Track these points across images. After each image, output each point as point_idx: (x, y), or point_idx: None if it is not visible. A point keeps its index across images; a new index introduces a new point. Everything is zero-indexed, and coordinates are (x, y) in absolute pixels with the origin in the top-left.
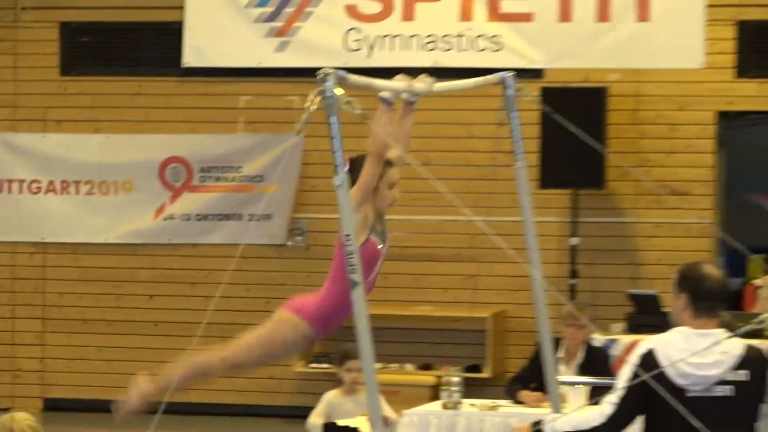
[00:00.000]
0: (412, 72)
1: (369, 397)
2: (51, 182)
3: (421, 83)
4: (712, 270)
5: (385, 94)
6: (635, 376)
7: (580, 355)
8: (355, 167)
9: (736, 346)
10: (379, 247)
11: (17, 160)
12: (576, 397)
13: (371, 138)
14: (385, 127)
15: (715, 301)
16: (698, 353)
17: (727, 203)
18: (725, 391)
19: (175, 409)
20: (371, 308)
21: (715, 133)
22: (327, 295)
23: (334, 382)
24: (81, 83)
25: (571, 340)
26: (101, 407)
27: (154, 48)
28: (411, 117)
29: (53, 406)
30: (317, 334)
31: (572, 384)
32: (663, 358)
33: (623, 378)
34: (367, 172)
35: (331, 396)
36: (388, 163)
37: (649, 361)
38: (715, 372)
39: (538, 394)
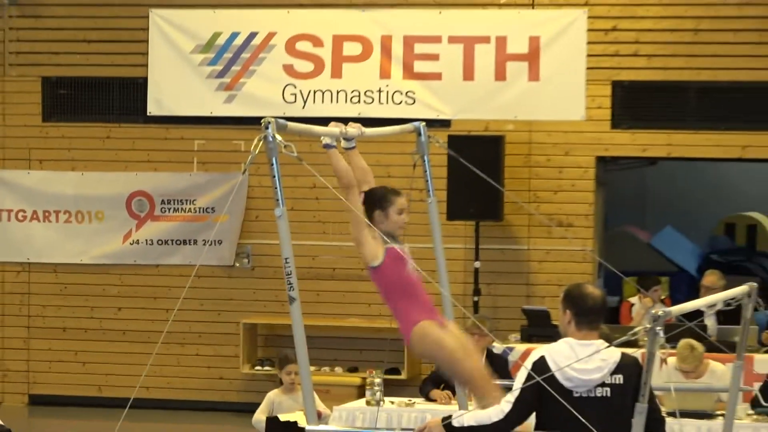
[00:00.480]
0: (341, 121)
1: (305, 395)
2: (35, 212)
3: (353, 128)
4: (593, 290)
5: (326, 140)
6: (529, 378)
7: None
8: (367, 200)
9: (614, 354)
10: (399, 247)
11: (5, 192)
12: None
13: (337, 177)
14: (339, 164)
15: (595, 316)
16: (582, 360)
17: (605, 234)
18: (604, 392)
19: (140, 405)
20: (306, 319)
21: (595, 175)
22: (398, 313)
23: (275, 382)
24: (59, 128)
25: (475, 348)
26: (78, 402)
27: (121, 99)
28: (357, 155)
29: (37, 401)
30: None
31: None
32: (552, 364)
33: (519, 381)
34: (351, 203)
35: (272, 394)
36: (396, 193)
37: (540, 366)
38: (596, 376)
39: (447, 392)
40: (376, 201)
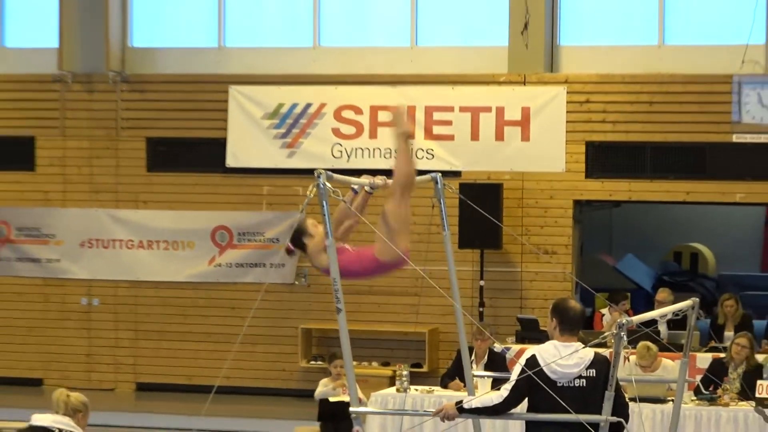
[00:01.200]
0: (375, 173)
1: (349, 384)
2: (140, 241)
3: (379, 180)
4: (575, 304)
5: (355, 187)
6: (523, 372)
7: (485, 358)
8: None
9: (588, 353)
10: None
11: (118, 227)
12: (483, 385)
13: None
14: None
15: (575, 324)
16: (564, 358)
17: (580, 260)
18: (581, 382)
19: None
20: (349, 325)
21: (572, 214)
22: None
23: (325, 373)
24: (160, 177)
25: (479, 348)
26: (174, 388)
27: (207, 154)
28: (367, 200)
29: (142, 388)
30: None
31: (481, 377)
32: (541, 360)
33: (515, 373)
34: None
35: (323, 382)
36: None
37: (532, 362)
38: (574, 370)
39: (459, 383)
40: None
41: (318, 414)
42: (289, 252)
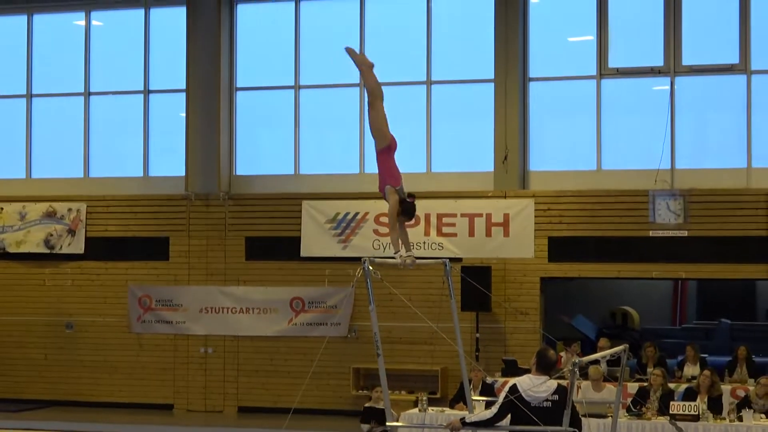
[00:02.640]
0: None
1: (386, 406)
2: (241, 308)
3: (409, 260)
4: (551, 353)
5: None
6: (507, 396)
7: (480, 387)
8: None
9: (553, 383)
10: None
11: (225, 298)
12: (479, 406)
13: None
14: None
15: (548, 367)
16: (536, 386)
17: (546, 318)
18: (548, 404)
19: (297, 411)
20: (386, 365)
21: (540, 287)
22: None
23: (368, 398)
24: (255, 263)
25: (476, 380)
26: (265, 410)
27: (287, 248)
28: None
29: (243, 410)
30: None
31: (477, 400)
32: (520, 388)
33: (501, 397)
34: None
35: (369, 403)
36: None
37: (513, 389)
38: (543, 395)
39: (462, 405)
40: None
41: (361, 418)
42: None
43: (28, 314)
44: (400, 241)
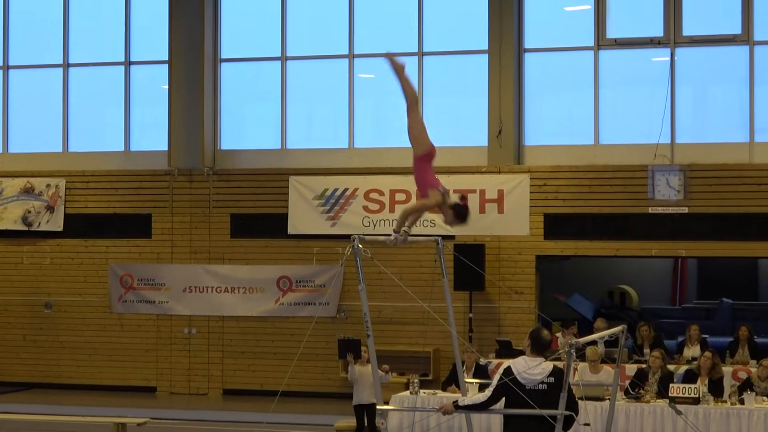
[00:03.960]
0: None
1: (375, 388)
2: (226, 287)
3: (402, 236)
4: (545, 333)
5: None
6: (501, 378)
7: (473, 369)
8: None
9: (549, 365)
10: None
11: (210, 277)
12: (472, 389)
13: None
14: (409, 211)
15: (542, 346)
16: (531, 368)
17: (541, 298)
18: (543, 386)
19: (284, 393)
20: (376, 346)
21: (535, 265)
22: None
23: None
24: (240, 241)
25: (469, 362)
26: (249, 393)
27: (273, 225)
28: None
29: (228, 392)
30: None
31: (471, 383)
32: (515, 370)
33: (495, 380)
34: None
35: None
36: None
37: (508, 371)
38: (538, 377)
39: (455, 387)
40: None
41: (338, 353)
42: (464, 200)
43: (5, 294)
44: (405, 224)
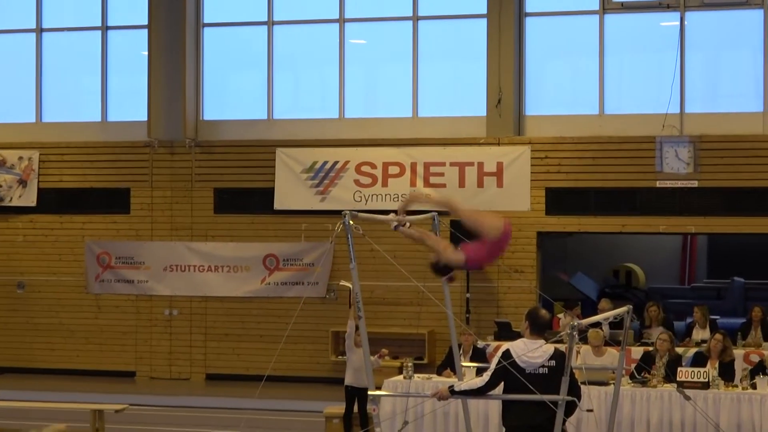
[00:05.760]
0: (387, 213)
1: (367, 372)
2: (209, 266)
3: (400, 217)
4: (544, 312)
5: (393, 225)
6: (499, 362)
7: (470, 352)
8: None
9: (550, 348)
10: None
11: (192, 255)
12: (469, 373)
13: (418, 240)
14: (411, 233)
15: (542, 327)
16: (531, 351)
17: (543, 277)
18: (544, 370)
19: (270, 378)
20: (368, 328)
21: (536, 242)
22: (471, 251)
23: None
24: (223, 217)
25: (466, 344)
26: (234, 378)
27: (260, 200)
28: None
29: (210, 377)
30: (466, 265)
31: (467, 367)
32: (514, 353)
33: (493, 363)
34: (433, 240)
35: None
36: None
37: (507, 354)
38: (539, 361)
39: (451, 372)
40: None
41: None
42: (451, 280)
43: None
44: (411, 232)
